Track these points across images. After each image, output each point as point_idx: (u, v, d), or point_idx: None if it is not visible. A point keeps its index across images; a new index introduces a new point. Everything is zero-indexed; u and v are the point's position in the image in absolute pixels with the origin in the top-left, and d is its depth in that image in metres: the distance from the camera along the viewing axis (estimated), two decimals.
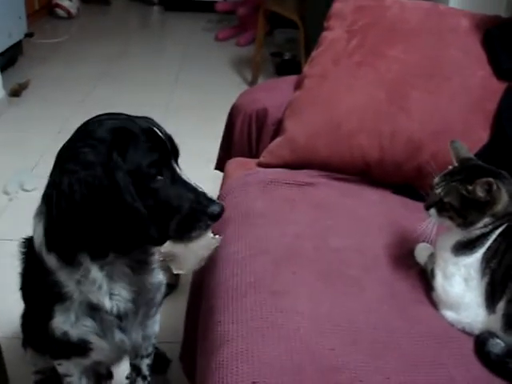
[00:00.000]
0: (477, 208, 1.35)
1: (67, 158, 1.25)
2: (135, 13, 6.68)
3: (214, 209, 1.31)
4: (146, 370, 1.77)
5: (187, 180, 1.32)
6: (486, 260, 1.35)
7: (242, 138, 2.16)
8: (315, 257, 1.55)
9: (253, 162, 2.03)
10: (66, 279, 1.34)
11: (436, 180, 1.45)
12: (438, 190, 1.42)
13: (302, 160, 1.94)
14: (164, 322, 1.77)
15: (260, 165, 1.99)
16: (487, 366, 1.27)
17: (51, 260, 1.32)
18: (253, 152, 2.15)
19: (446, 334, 1.35)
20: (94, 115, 1.35)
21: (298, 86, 2.10)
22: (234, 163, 2.07)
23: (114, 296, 1.39)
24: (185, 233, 1.32)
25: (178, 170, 1.32)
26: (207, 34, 5.83)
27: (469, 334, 1.36)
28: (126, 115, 1.33)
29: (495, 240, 1.36)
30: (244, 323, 1.33)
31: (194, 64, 5.04)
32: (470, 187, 1.34)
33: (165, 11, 6.60)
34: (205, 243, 1.37)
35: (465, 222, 1.37)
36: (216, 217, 1.32)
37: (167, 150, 1.30)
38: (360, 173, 1.92)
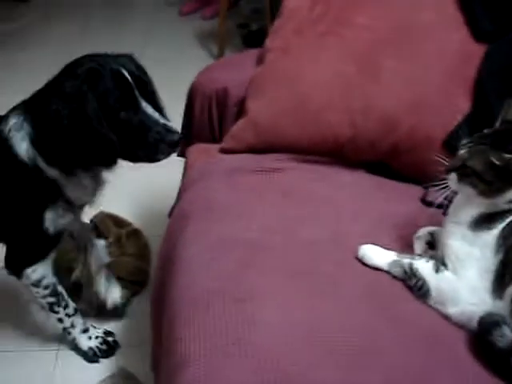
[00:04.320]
0: (507, 176, 1.21)
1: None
2: None
3: (171, 138, 1.54)
4: None
5: (150, 113, 1.54)
6: (504, 237, 1.21)
7: (203, 122, 1.97)
8: (284, 253, 1.40)
9: (215, 147, 1.86)
10: (66, 184, 1.62)
11: (464, 141, 1.30)
12: (463, 151, 1.27)
13: (268, 143, 1.77)
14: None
15: (223, 151, 1.82)
16: (486, 356, 1.14)
17: (53, 171, 1.58)
18: (215, 136, 1.97)
19: (435, 335, 1.21)
20: None
21: (259, 61, 1.93)
22: (195, 150, 1.90)
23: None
24: (150, 157, 1.57)
25: (143, 104, 1.53)
26: (171, 8, 5.58)
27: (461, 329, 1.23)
28: (107, 55, 1.61)
29: None
30: (207, 340, 1.18)
31: (159, 40, 4.82)
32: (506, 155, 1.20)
33: None
34: None
35: (490, 189, 1.22)
36: (174, 145, 1.56)
37: (131, 89, 1.52)
38: (331, 153, 1.75)
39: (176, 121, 2.00)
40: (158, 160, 1.58)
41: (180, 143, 1.59)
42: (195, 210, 1.59)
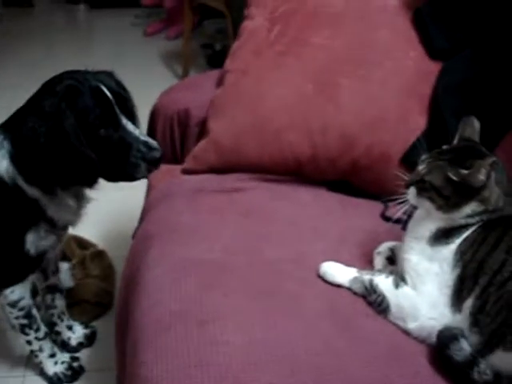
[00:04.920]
0: (464, 191, 1.23)
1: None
2: (60, 13, 6.38)
3: (153, 155, 1.52)
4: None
5: (131, 130, 1.52)
6: (461, 252, 1.22)
7: (165, 143, 1.98)
8: (247, 273, 1.40)
9: (178, 168, 1.87)
10: (48, 204, 1.59)
11: (423, 157, 1.32)
12: (421, 167, 1.29)
13: (230, 163, 1.79)
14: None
15: (185, 171, 1.83)
16: (446, 369, 1.16)
17: (34, 191, 1.55)
18: (177, 157, 1.98)
19: (395, 350, 1.22)
20: None
21: (220, 82, 1.94)
22: (157, 171, 1.89)
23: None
24: (130, 175, 1.55)
25: (123, 121, 1.51)
26: (136, 29, 5.60)
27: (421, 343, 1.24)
28: (86, 72, 1.57)
29: (473, 230, 1.24)
30: (169, 362, 1.17)
31: (124, 60, 4.80)
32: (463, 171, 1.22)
33: (91, 9, 6.32)
34: None
35: (447, 204, 1.24)
36: (155, 162, 1.54)
37: (111, 106, 1.50)
38: (292, 172, 1.77)
39: None
40: (139, 178, 1.57)
41: (161, 160, 1.55)
42: (158, 231, 1.58)
